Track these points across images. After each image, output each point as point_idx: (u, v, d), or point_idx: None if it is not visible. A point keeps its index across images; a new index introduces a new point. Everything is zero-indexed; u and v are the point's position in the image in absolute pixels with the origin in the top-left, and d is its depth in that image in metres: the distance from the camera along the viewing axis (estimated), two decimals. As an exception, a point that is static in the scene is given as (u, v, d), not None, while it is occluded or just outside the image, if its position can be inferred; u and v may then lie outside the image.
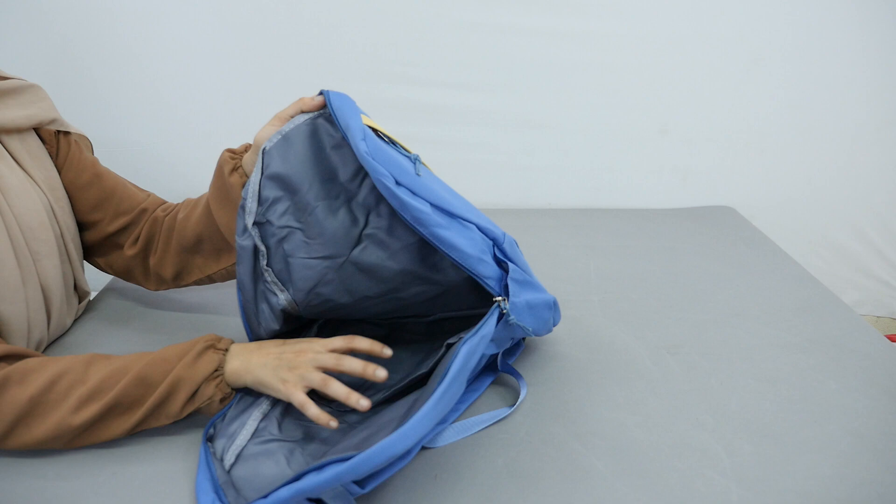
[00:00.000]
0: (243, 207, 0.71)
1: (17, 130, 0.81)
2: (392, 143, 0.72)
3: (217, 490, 0.63)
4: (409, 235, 0.71)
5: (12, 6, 1.24)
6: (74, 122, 0.94)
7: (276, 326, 0.76)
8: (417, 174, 0.67)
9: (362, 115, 0.69)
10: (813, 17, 1.33)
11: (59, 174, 0.87)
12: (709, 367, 0.88)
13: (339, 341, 0.72)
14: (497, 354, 0.80)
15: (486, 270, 0.67)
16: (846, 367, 0.88)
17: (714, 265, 1.18)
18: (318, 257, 0.72)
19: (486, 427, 0.74)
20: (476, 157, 1.44)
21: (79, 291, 0.92)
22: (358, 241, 0.73)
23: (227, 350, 0.72)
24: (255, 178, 0.70)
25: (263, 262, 0.73)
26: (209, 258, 0.88)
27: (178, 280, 0.91)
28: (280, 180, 0.69)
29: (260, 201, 0.70)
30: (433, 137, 1.41)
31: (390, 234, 0.72)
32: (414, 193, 0.65)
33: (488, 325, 0.65)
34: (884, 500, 0.66)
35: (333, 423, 0.66)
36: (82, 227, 0.91)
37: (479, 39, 1.32)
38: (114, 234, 0.90)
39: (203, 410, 0.71)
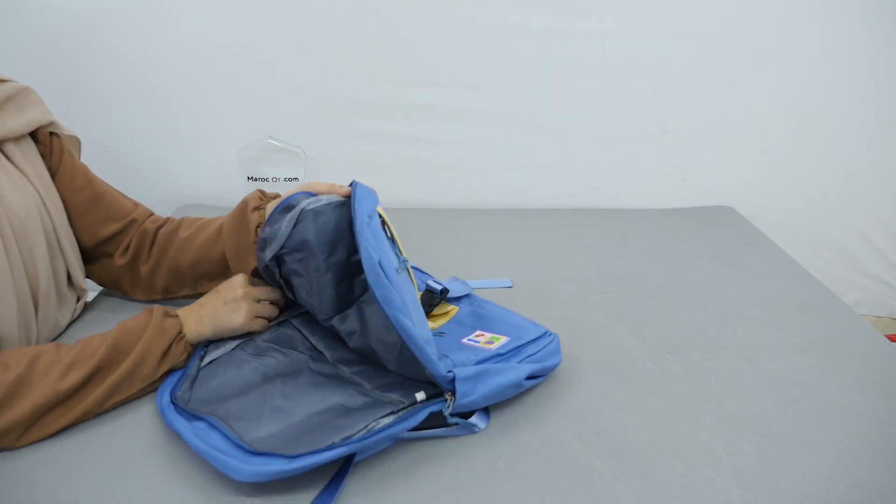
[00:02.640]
0: (265, 241, 0.81)
1: (15, 138, 0.83)
2: (392, 239, 0.79)
3: (179, 380, 0.77)
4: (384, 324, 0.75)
5: (3, 7, 1.24)
6: (73, 123, 0.94)
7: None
8: (398, 271, 0.73)
9: (378, 206, 0.80)
10: (813, 17, 1.33)
11: (54, 176, 0.89)
12: (709, 367, 0.88)
13: (265, 289, 0.87)
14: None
15: (437, 369, 0.70)
16: (846, 367, 0.88)
17: (714, 265, 1.18)
18: (310, 304, 0.84)
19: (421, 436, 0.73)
20: (476, 157, 1.44)
21: (75, 288, 0.92)
22: (345, 309, 0.83)
23: (177, 315, 0.81)
24: (286, 226, 0.79)
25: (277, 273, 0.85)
26: (203, 280, 0.92)
27: (166, 293, 0.95)
28: (305, 241, 0.79)
29: (284, 246, 0.79)
30: (433, 137, 1.41)
31: (369, 314, 0.81)
32: (389, 279, 0.70)
33: (414, 420, 0.70)
34: (884, 500, 0.66)
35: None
36: (73, 231, 0.91)
37: (479, 39, 1.32)
38: (104, 241, 0.92)
39: (174, 368, 0.79)
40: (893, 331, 1.65)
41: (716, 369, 0.87)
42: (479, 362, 0.78)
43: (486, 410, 0.77)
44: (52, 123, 0.88)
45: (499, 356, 0.80)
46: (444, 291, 0.92)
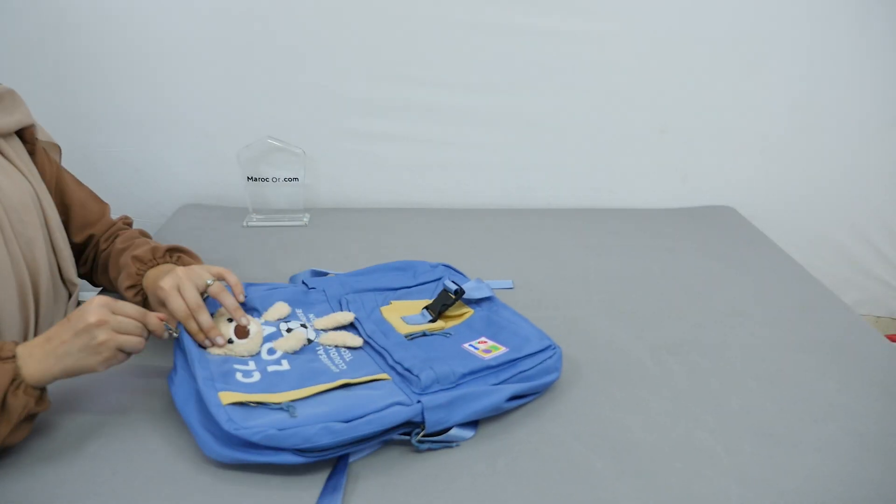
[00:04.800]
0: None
1: (5, 136, 0.85)
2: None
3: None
4: None
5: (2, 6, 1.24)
6: (73, 123, 0.94)
7: None
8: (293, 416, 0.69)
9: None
10: (813, 17, 1.33)
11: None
12: (709, 367, 0.88)
13: (130, 309, 0.71)
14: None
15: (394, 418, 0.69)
16: (846, 367, 0.88)
17: (714, 265, 1.18)
18: None
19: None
20: (476, 157, 1.44)
21: (66, 283, 0.92)
22: None
23: (14, 356, 0.66)
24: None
25: None
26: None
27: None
28: None
29: None
30: (433, 137, 1.41)
31: None
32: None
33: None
34: (884, 500, 0.66)
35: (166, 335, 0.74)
36: None
37: (479, 39, 1.32)
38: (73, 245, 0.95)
39: (27, 422, 0.67)
40: (893, 331, 1.65)
41: (716, 369, 0.87)
42: (467, 373, 0.76)
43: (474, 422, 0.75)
44: (34, 125, 0.90)
45: (489, 368, 0.78)
46: (459, 292, 0.91)
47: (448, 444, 0.72)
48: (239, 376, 0.75)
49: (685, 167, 1.48)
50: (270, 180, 1.34)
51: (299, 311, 0.90)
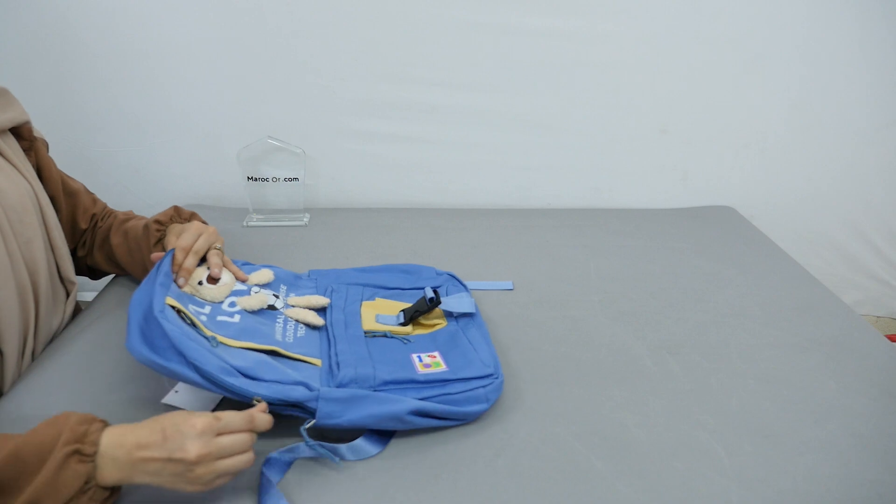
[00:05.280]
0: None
1: (1, 134, 0.85)
2: (193, 324, 0.77)
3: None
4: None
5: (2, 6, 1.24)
6: (72, 123, 0.94)
7: None
8: (213, 346, 0.73)
9: (168, 297, 0.77)
10: (813, 17, 1.33)
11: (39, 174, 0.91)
12: (709, 367, 0.88)
13: (238, 424, 0.63)
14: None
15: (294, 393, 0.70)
16: (846, 367, 0.88)
17: (714, 265, 1.18)
18: None
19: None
20: (476, 157, 1.44)
21: (64, 282, 0.92)
22: None
23: (95, 454, 0.58)
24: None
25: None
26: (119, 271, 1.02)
27: (93, 274, 1.04)
28: None
29: None
30: (433, 137, 1.41)
31: None
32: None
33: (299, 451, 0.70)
34: (884, 500, 0.66)
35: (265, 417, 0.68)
36: None
37: (479, 39, 1.32)
38: (71, 234, 0.96)
39: None
40: (893, 331, 1.65)
41: (716, 369, 0.87)
42: (389, 381, 0.75)
43: (388, 437, 0.73)
44: (28, 122, 0.90)
45: (415, 383, 0.76)
46: (435, 301, 0.88)
47: (333, 452, 0.69)
48: (191, 307, 0.79)
49: (685, 167, 1.48)
50: (270, 180, 1.34)
51: (283, 287, 0.93)
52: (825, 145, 1.45)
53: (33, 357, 0.86)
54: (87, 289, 1.18)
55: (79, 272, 0.99)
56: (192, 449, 0.59)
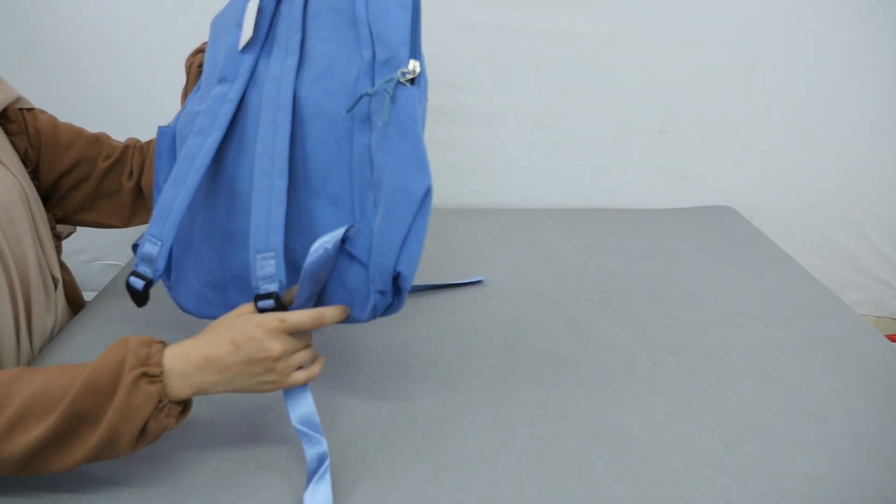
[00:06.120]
0: None
1: None
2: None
3: None
4: None
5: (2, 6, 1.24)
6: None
7: None
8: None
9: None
10: (813, 18, 1.33)
11: (39, 147, 0.88)
12: (709, 367, 0.88)
13: (308, 322, 0.63)
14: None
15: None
16: (846, 367, 0.88)
17: (714, 265, 1.18)
18: None
19: None
20: (476, 157, 1.44)
21: (52, 278, 0.91)
22: None
23: (162, 374, 0.59)
24: None
25: None
26: None
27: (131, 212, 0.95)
28: None
29: None
30: (433, 138, 1.40)
31: None
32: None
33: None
34: (884, 500, 0.66)
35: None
36: (71, 186, 0.91)
37: (479, 39, 1.31)
38: (104, 177, 0.91)
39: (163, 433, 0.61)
40: (893, 331, 1.65)
41: (716, 369, 0.87)
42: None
43: None
44: (18, 99, 0.87)
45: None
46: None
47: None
48: None
49: (685, 167, 1.48)
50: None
51: None
52: (826, 145, 1.45)
53: (31, 357, 0.85)
54: (88, 288, 1.18)
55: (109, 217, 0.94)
56: (276, 347, 0.60)
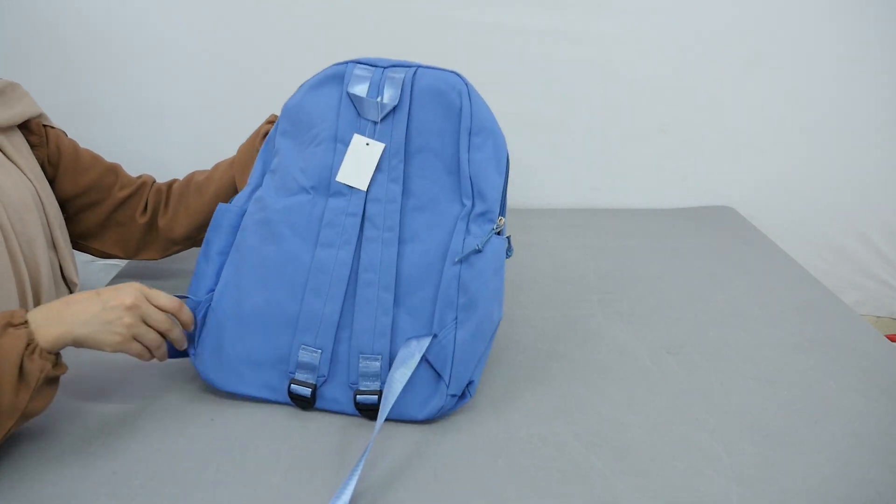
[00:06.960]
0: None
1: (2, 130, 0.84)
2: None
3: None
4: None
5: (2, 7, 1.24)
6: (73, 126, 0.94)
7: None
8: None
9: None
10: (813, 17, 1.33)
11: (57, 165, 0.91)
12: (709, 367, 0.88)
13: (164, 300, 0.71)
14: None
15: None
16: (846, 367, 0.88)
17: (714, 265, 1.18)
18: None
19: None
20: (476, 157, 1.44)
21: (67, 282, 0.92)
22: None
23: (25, 322, 0.64)
24: None
25: None
26: None
27: (188, 241, 1.00)
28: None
29: None
30: (433, 137, 1.41)
31: None
32: None
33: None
34: (884, 500, 0.66)
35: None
36: (81, 209, 0.94)
37: (480, 39, 1.32)
38: (118, 207, 0.96)
39: (49, 387, 0.66)
40: (893, 331, 1.65)
41: (716, 369, 0.87)
42: None
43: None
44: (41, 115, 0.90)
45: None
46: None
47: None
48: None
49: (685, 167, 1.48)
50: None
51: None
52: (825, 145, 1.45)
53: None
54: (88, 288, 1.17)
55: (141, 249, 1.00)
56: (129, 297, 0.67)
